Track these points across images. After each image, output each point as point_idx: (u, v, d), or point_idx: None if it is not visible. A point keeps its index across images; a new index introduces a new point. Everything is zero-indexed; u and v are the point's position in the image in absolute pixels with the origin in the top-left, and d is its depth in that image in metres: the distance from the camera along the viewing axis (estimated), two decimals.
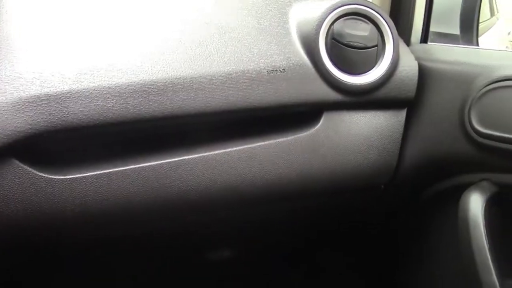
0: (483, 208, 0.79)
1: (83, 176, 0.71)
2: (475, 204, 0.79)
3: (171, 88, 0.73)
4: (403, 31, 0.96)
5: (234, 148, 0.78)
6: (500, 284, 0.76)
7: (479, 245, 0.78)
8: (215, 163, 0.77)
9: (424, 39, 1.00)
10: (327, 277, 1.22)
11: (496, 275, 0.76)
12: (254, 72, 0.78)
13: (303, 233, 1.11)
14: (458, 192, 0.84)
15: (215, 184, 0.78)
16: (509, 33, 1.58)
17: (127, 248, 0.94)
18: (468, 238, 0.79)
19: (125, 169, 0.72)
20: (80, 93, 0.69)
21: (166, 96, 0.72)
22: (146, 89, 0.72)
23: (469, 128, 0.81)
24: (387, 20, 0.85)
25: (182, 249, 1.01)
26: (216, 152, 0.77)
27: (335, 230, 1.13)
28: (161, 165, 0.74)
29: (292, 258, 1.23)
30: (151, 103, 0.72)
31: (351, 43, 0.83)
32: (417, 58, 0.89)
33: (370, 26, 0.85)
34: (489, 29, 1.48)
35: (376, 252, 1.10)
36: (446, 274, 0.94)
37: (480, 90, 0.80)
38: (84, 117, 0.69)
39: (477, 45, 1.08)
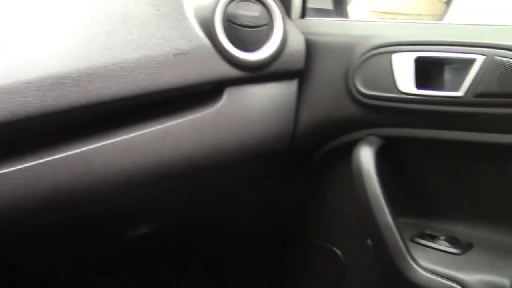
0: (373, 158, 0.92)
1: (10, 171, 0.72)
2: (366, 156, 0.92)
3: (86, 78, 0.76)
4: (285, 8, 1.06)
5: (150, 129, 0.83)
6: (394, 222, 0.90)
7: (373, 191, 0.90)
8: (135, 145, 0.82)
9: (303, 14, 1.10)
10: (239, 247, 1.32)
11: (390, 215, 0.90)
12: (161, 56, 0.84)
13: (217, 205, 1.19)
14: (349, 148, 0.96)
15: (136, 165, 0.82)
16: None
17: (55, 233, 0.95)
18: (363, 186, 0.91)
19: (52, 159, 0.75)
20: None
21: (82, 85, 0.75)
22: (63, 80, 0.74)
23: (353, 91, 0.94)
24: (274, 0, 0.94)
25: (104, 229, 1.04)
26: (134, 134, 0.82)
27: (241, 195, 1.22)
28: (85, 152, 0.77)
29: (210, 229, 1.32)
30: (68, 94, 0.74)
31: (245, 23, 0.91)
32: (301, 33, 0.99)
33: (260, 6, 0.93)
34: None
35: (280, 206, 1.20)
36: (346, 221, 1.07)
37: (360, 57, 0.92)
38: (5, 113, 0.70)
39: (347, 17, 1.21)
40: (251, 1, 0.93)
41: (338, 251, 1.10)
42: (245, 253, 1.31)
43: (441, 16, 1.25)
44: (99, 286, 1.28)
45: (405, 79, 0.88)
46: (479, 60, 0.80)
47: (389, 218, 0.89)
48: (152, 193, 0.93)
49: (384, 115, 0.93)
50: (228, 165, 0.95)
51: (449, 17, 1.21)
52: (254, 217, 1.24)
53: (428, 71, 0.87)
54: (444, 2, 1.27)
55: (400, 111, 0.91)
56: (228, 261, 1.35)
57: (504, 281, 0.82)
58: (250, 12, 0.92)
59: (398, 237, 0.89)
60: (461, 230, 0.94)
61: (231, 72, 0.91)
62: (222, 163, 0.93)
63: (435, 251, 0.92)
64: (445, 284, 0.86)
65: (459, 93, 0.82)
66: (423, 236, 0.95)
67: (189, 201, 1.09)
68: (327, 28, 1.04)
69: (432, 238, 0.94)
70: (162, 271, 1.34)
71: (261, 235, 1.25)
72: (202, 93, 0.90)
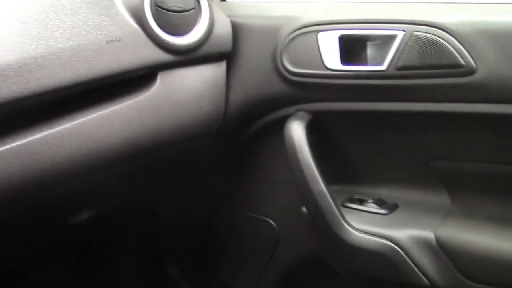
0: (304, 132, 0.98)
1: None
2: (297, 130, 0.98)
3: (26, 68, 0.75)
4: None
5: (91, 116, 0.84)
6: (327, 189, 0.96)
7: (306, 162, 0.96)
8: (78, 132, 0.82)
9: None
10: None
11: (323, 183, 0.96)
12: (95, 44, 0.84)
13: (154, 186, 1.20)
14: (280, 124, 1.02)
15: (81, 152, 0.83)
16: None
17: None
18: (296, 158, 0.97)
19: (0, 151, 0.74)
20: None
21: (23, 76, 0.75)
22: (3, 72, 0.73)
23: (282, 70, 0.98)
24: None
25: (47, 217, 1.03)
26: (77, 122, 0.82)
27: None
28: (32, 142, 0.77)
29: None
30: (10, 85, 0.73)
31: (172, 8, 0.93)
32: (227, 16, 1.02)
33: None
34: None
35: (214, 183, 1.24)
36: (279, 193, 1.13)
37: (287, 37, 0.97)
38: None
39: None
40: None
41: (272, 222, 1.16)
42: (181, 232, 1.33)
43: None
44: (37, 278, 1.25)
45: (331, 56, 0.94)
46: (399, 35, 0.88)
47: (322, 186, 0.96)
48: (95, 178, 0.93)
49: (312, 91, 0.99)
50: (166, 147, 0.97)
51: None
52: (189, 196, 1.26)
53: (352, 47, 0.93)
54: None
55: (327, 87, 0.97)
56: (164, 242, 1.37)
57: (429, 234, 0.92)
58: None
59: (332, 203, 0.96)
60: (387, 192, 1.03)
61: (163, 56, 0.92)
62: (161, 145, 0.95)
63: (365, 213, 1.00)
64: (377, 241, 0.94)
65: (382, 67, 0.89)
66: (353, 200, 1.03)
67: (128, 184, 1.10)
68: (252, 10, 1.08)
69: (361, 202, 1.02)
70: (100, 258, 1.34)
71: (196, 213, 1.28)
72: (137, 79, 0.91)
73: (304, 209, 1.03)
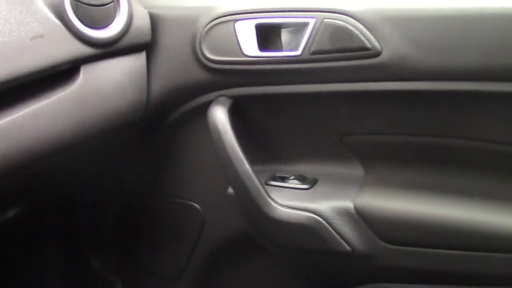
0: (227, 116, 1.02)
1: None
2: (220, 115, 1.02)
3: None
4: None
5: (19, 113, 0.84)
6: (251, 169, 1.02)
7: (230, 145, 1.01)
8: (7, 130, 0.82)
9: None
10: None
11: (248, 164, 1.02)
12: (19, 41, 0.84)
13: (78, 177, 1.20)
14: (203, 110, 1.06)
15: (10, 151, 0.83)
16: None
17: None
18: (221, 141, 1.01)
19: None
20: None
21: None
22: None
23: (201, 58, 1.02)
24: None
25: None
26: (6, 119, 0.82)
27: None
28: None
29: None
30: None
31: (92, 2, 0.94)
32: (144, 8, 1.05)
33: None
34: None
35: (139, 171, 1.26)
36: (202, 177, 1.17)
37: (205, 27, 1.01)
38: None
39: None
40: None
41: (197, 206, 1.20)
42: (102, 223, 1.34)
43: None
44: None
45: (248, 43, 0.99)
46: (311, 22, 0.94)
47: (247, 166, 1.01)
48: (24, 176, 0.93)
49: (232, 77, 1.04)
50: (94, 138, 0.98)
51: None
52: (112, 185, 1.27)
53: (268, 35, 0.99)
54: None
55: (246, 72, 1.02)
56: (85, 235, 1.37)
57: (348, 204, 1.00)
58: None
59: (257, 182, 1.01)
60: (306, 169, 1.10)
61: (85, 50, 0.94)
62: (89, 136, 0.97)
63: (288, 189, 1.06)
64: (301, 214, 1.01)
65: (297, 52, 0.96)
66: (276, 178, 1.09)
67: (55, 179, 1.10)
68: (169, 1, 1.10)
69: (283, 179, 1.09)
70: (21, 252, 1.32)
71: (120, 201, 1.30)
72: (61, 73, 0.92)
73: (230, 190, 1.08)
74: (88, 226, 1.36)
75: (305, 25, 0.95)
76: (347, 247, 1.00)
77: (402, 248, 0.98)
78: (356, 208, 1.00)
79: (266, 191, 1.02)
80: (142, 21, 1.03)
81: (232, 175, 1.03)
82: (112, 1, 0.97)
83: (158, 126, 1.14)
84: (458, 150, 0.98)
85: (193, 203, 1.20)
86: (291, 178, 1.08)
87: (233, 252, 1.22)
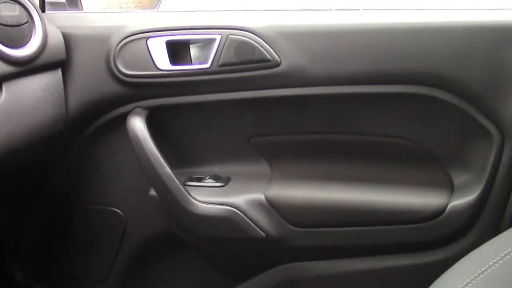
0: (144, 125, 1.12)
1: None
2: (138, 124, 1.11)
3: None
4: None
5: None
6: (172, 172, 1.12)
7: (151, 151, 1.10)
8: None
9: (43, 9, 1.20)
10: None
11: (168, 167, 1.12)
12: None
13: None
14: (120, 120, 1.14)
15: None
16: None
17: None
18: (142, 148, 1.10)
19: None
20: None
21: None
22: None
23: (117, 73, 1.11)
24: (30, 0, 1.04)
25: None
26: None
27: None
28: None
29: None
30: None
31: (9, 23, 1.00)
32: (57, 27, 1.11)
33: (18, 6, 1.02)
34: None
35: (61, 182, 1.31)
36: (123, 183, 1.25)
37: (118, 44, 1.10)
38: None
39: (82, 9, 1.33)
40: (8, 2, 1.01)
41: (118, 211, 1.27)
42: (23, 233, 1.36)
43: (156, 3, 1.47)
44: None
45: (161, 58, 1.10)
46: (218, 38, 1.07)
47: (168, 169, 1.11)
48: None
49: (147, 89, 1.14)
50: (19, 152, 1.03)
51: (163, 4, 1.44)
52: (35, 197, 1.31)
53: (179, 49, 1.10)
54: None
55: (160, 85, 1.12)
56: (6, 247, 1.38)
57: (260, 196, 1.14)
58: (9, 12, 1.01)
59: (177, 183, 1.12)
60: (220, 169, 1.22)
61: (5, 68, 0.99)
62: (14, 150, 1.02)
63: (205, 188, 1.18)
64: (220, 208, 1.13)
65: (207, 65, 1.08)
66: (193, 179, 1.20)
67: None
68: (81, 21, 1.18)
69: (200, 179, 1.20)
70: None
71: (43, 212, 1.33)
72: None
73: (151, 192, 1.18)
74: (10, 239, 1.38)
75: (212, 40, 1.08)
76: (262, 233, 1.14)
77: (307, 230, 1.14)
78: (267, 199, 1.14)
79: (186, 191, 1.13)
80: (56, 40, 1.10)
81: (155, 179, 1.12)
82: (27, 22, 1.03)
83: (77, 137, 1.21)
84: (347, 143, 1.16)
85: (114, 209, 1.27)
86: (207, 178, 1.20)
87: (156, 250, 1.31)
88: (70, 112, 1.14)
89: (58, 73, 1.12)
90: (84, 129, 1.20)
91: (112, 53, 1.11)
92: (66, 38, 1.12)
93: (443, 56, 1.03)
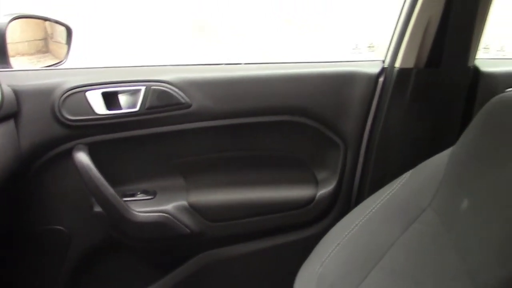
0: (88, 157, 1.43)
1: None
2: (83, 156, 1.40)
3: None
4: None
5: None
6: (115, 192, 1.45)
7: (96, 177, 1.38)
8: None
9: None
10: None
11: (111, 188, 1.42)
12: None
13: None
14: (66, 155, 1.44)
15: None
16: None
17: None
18: (89, 176, 1.38)
19: None
20: None
21: None
22: None
23: (62, 119, 1.41)
24: None
25: None
26: None
27: None
28: None
29: None
30: None
31: None
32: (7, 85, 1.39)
33: None
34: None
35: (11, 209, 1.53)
36: (68, 204, 1.52)
37: (61, 96, 1.40)
38: None
39: (10, 66, 1.57)
40: None
41: (62, 228, 1.55)
42: None
43: (65, 56, 1.73)
44: None
45: (98, 105, 1.42)
46: (143, 89, 1.43)
47: (111, 190, 1.41)
48: None
49: (87, 130, 1.45)
50: None
51: (70, 56, 1.72)
52: None
53: (114, 98, 1.44)
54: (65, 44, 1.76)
55: (98, 126, 1.45)
56: None
57: (184, 202, 1.52)
58: None
59: (119, 199, 1.44)
60: (148, 185, 1.57)
61: None
62: None
63: (139, 201, 1.52)
64: (154, 215, 1.47)
65: (136, 109, 1.43)
66: (127, 195, 1.53)
67: None
68: (27, 78, 1.45)
69: (133, 195, 1.54)
70: None
71: None
72: None
73: (96, 209, 1.48)
74: None
75: (139, 91, 1.44)
76: (187, 230, 1.51)
77: (221, 224, 1.55)
78: (189, 204, 1.52)
79: (126, 205, 1.47)
80: (9, 96, 1.37)
81: (100, 198, 1.42)
82: None
83: (28, 172, 1.48)
84: (244, 158, 1.59)
85: (58, 227, 1.55)
86: (138, 193, 1.54)
87: (99, 257, 1.60)
88: (23, 152, 1.41)
89: (11, 123, 1.39)
90: (34, 164, 1.47)
91: (57, 103, 1.40)
92: (16, 93, 1.38)
93: (305, 94, 1.51)
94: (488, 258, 0.91)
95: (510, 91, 1.54)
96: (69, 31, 1.68)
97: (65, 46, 1.69)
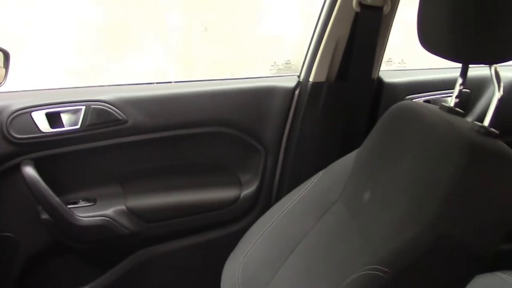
0: (35, 170, 1.58)
1: None
2: (31, 170, 1.56)
3: None
4: None
5: None
6: (61, 201, 1.62)
7: (44, 188, 1.56)
8: None
9: None
10: None
11: (57, 198, 1.59)
12: None
13: None
14: (13, 169, 1.59)
15: None
16: None
17: None
18: (36, 187, 1.54)
19: None
20: None
21: None
22: None
23: (9, 137, 1.55)
24: None
25: None
26: None
27: None
28: None
29: None
30: None
31: None
32: None
33: None
34: None
35: None
36: (17, 213, 1.66)
37: (8, 118, 1.55)
38: None
39: None
40: None
41: (10, 234, 1.69)
42: None
43: (2, 79, 1.83)
44: None
45: (43, 124, 1.58)
46: (83, 108, 1.61)
47: (57, 199, 1.58)
48: None
49: (34, 146, 1.60)
50: None
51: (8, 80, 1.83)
52: None
53: (57, 117, 1.60)
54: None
55: (44, 143, 1.60)
56: None
57: (123, 206, 1.71)
58: None
59: (65, 207, 1.60)
60: (88, 194, 1.72)
61: None
62: None
63: (82, 207, 1.69)
64: (96, 219, 1.65)
65: (78, 127, 1.61)
66: (69, 203, 1.67)
67: None
68: None
69: (75, 203, 1.70)
70: None
71: None
72: None
73: (43, 216, 1.63)
74: None
75: (79, 110, 1.61)
76: (126, 230, 1.70)
77: (156, 224, 1.75)
78: (127, 207, 1.71)
79: (71, 211, 1.64)
80: None
81: (48, 207, 1.58)
82: None
83: None
84: (177, 166, 1.79)
85: (7, 234, 1.69)
86: (80, 201, 1.71)
87: (45, 260, 1.74)
88: None
89: None
90: None
91: (5, 124, 1.55)
92: None
93: (230, 108, 1.74)
94: (384, 236, 1.05)
95: (408, 99, 1.86)
96: (6, 56, 1.81)
97: (3, 70, 1.82)
